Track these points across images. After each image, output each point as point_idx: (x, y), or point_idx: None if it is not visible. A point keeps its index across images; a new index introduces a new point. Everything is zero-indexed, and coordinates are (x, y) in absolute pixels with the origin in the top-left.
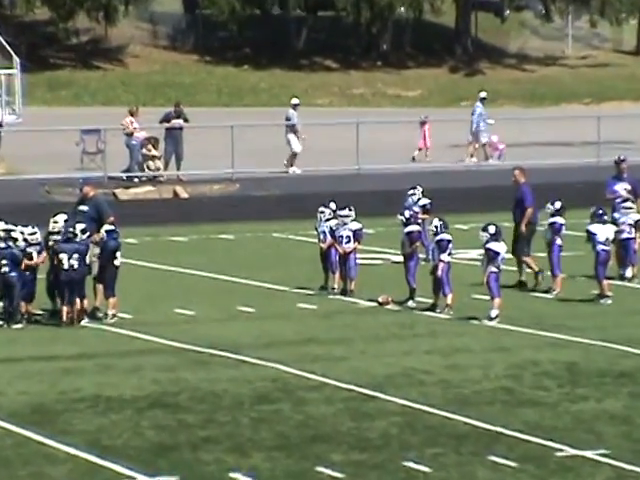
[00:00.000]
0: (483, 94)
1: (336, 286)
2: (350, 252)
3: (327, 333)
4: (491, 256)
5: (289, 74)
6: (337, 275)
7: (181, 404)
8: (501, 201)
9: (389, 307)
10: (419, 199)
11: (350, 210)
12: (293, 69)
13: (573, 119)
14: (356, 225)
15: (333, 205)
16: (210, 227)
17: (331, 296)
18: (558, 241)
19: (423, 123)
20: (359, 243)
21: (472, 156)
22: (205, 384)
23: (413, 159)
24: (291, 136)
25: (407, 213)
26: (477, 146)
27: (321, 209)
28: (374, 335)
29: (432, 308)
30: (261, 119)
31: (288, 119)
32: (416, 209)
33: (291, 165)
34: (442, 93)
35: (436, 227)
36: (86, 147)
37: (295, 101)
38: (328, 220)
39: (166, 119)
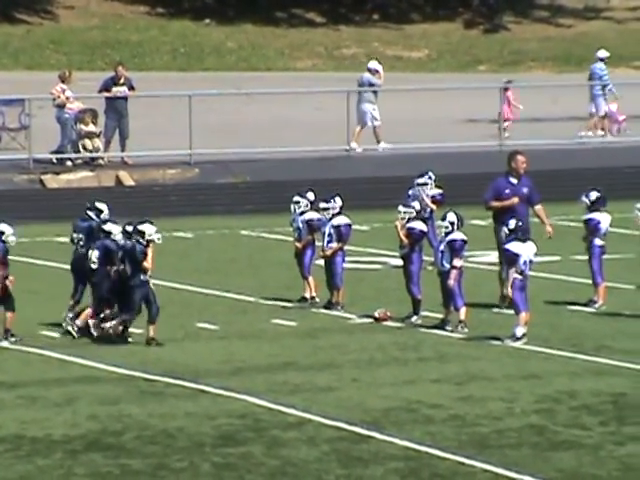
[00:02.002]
0: (603, 53)
1: (314, 294)
2: (332, 255)
3: (309, 357)
4: (509, 259)
5: (262, 30)
6: (312, 281)
7: (125, 446)
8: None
9: (387, 324)
10: (431, 189)
11: (333, 200)
12: (267, 24)
13: (620, 87)
14: (340, 220)
15: (311, 195)
16: (162, 223)
17: (314, 310)
18: (597, 242)
19: (506, 89)
20: (344, 243)
21: (600, 129)
22: (156, 421)
23: (504, 130)
24: (368, 106)
25: (417, 205)
26: (597, 118)
27: (296, 199)
28: (368, 359)
29: (442, 325)
30: (227, 87)
31: (364, 85)
32: (425, 200)
33: (378, 142)
34: (454, 54)
35: (452, 224)
36: (6, 121)
37: (374, 66)
38: (304, 213)
39: (106, 87)
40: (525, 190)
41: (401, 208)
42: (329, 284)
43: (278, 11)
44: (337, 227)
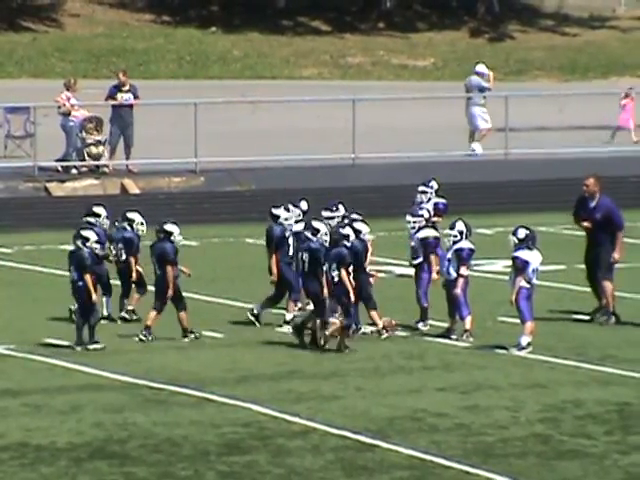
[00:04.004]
0: None
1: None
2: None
3: (314, 365)
4: (519, 267)
5: (268, 38)
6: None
7: (130, 454)
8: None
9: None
10: (429, 199)
11: (335, 209)
12: (273, 32)
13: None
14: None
15: (304, 204)
16: None
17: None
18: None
19: (626, 96)
20: None
21: None
22: (160, 429)
23: (613, 136)
24: (477, 109)
25: (425, 213)
26: None
27: (290, 208)
28: (373, 368)
29: (447, 334)
30: (232, 95)
31: (472, 88)
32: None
33: (475, 141)
34: (460, 63)
35: (460, 233)
36: (11, 129)
37: (483, 69)
38: (297, 222)
39: (111, 95)
40: (598, 216)
41: (409, 218)
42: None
43: (284, 19)
44: None
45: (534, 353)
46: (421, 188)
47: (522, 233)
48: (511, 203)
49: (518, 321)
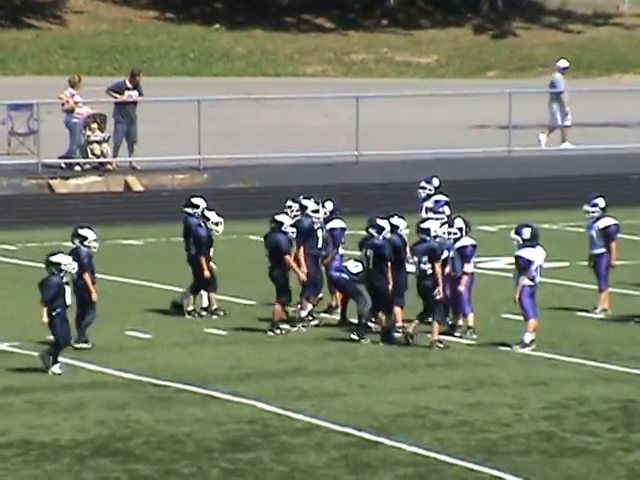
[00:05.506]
0: None
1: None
2: (329, 261)
3: (318, 362)
4: (522, 266)
5: (272, 36)
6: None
7: (133, 451)
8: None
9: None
10: (428, 195)
11: (322, 204)
12: (277, 29)
13: (629, 94)
14: (334, 223)
15: (330, 204)
16: (171, 228)
17: (324, 316)
18: (602, 249)
19: None
20: (338, 248)
21: None
22: (164, 426)
23: None
24: (556, 106)
25: (447, 209)
26: None
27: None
28: (377, 365)
29: (450, 331)
30: (236, 92)
31: (553, 85)
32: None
33: (563, 141)
34: (463, 60)
35: (460, 230)
36: (14, 126)
37: (563, 64)
38: (327, 221)
39: (117, 89)
40: None
41: (432, 215)
42: (329, 288)
43: (287, 16)
44: (330, 231)
45: (537, 350)
46: (421, 184)
47: (526, 232)
48: (514, 200)
49: (521, 318)
